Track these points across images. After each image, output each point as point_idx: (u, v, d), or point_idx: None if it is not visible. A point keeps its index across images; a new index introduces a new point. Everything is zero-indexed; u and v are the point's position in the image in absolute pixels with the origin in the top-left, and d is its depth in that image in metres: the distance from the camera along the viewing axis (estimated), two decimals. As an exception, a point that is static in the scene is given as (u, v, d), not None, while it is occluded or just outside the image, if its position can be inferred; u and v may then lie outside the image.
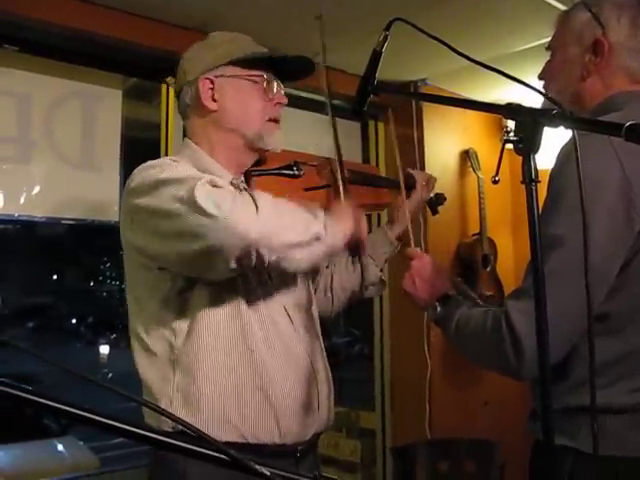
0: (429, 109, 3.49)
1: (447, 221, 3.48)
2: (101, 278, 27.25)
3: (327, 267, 1.78)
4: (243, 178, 1.52)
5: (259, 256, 1.24)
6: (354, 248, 1.48)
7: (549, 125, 0.96)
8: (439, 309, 1.45)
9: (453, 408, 3.26)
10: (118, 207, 2.69)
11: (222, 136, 1.50)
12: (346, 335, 13.79)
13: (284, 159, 1.57)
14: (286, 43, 2.84)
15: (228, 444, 1.28)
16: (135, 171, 1.42)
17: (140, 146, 2.96)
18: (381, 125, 3.63)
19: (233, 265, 1.24)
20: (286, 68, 1.58)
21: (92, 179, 2.66)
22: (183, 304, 1.37)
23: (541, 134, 0.95)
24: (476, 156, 3.62)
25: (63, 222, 2.66)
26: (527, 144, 0.94)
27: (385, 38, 1.47)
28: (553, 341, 0.97)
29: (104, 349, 18.00)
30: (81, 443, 6.76)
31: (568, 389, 1.22)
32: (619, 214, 1.18)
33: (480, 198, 3.56)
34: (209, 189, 1.22)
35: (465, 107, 1.37)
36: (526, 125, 0.95)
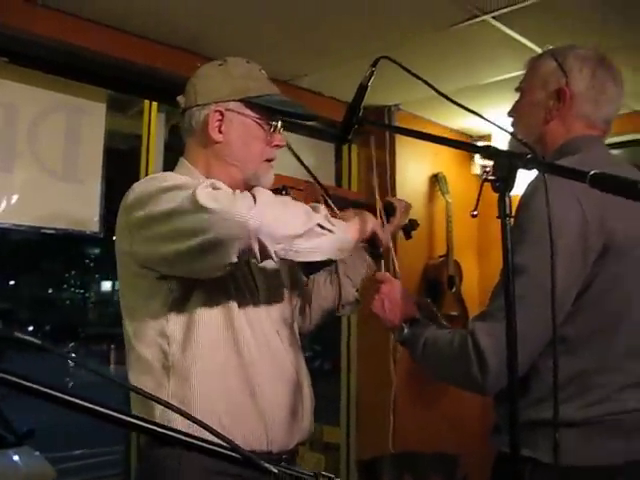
0: (400, 135, 3.61)
1: (415, 243, 3.56)
2: (63, 286, 26.94)
3: (306, 285, 1.86)
4: None
5: (262, 246, 1.29)
6: (373, 243, 1.62)
7: (523, 168, 1.07)
8: (406, 330, 1.56)
9: (416, 424, 3.36)
10: (98, 218, 2.77)
11: (221, 167, 1.57)
12: (309, 350, 13.89)
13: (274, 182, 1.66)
14: (270, 65, 2.95)
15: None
16: (134, 186, 1.48)
17: (121, 158, 3.02)
18: (354, 147, 3.74)
19: (234, 258, 1.30)
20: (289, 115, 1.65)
21: (73, 190, 2.71)
22: (178, 313, 1.44)
23: (516, 175, 1.06)
24: (445, 180, 3.75)
25: (43, 232, 2.69)
26: (504, 183, 1.06)
27: (372, 73, 1.56)
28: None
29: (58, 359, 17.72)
30: (37, 453, 6.69)
31: (528, 404, 1.33)
32: (577, 249, 1.31)
33: (447, 221, 3.69)
34: (209, 189, 1.29)
35: (448, 145, 1.47)
36: (503, 167, 1.06)
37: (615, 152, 4.01)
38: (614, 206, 1.08)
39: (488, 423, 1.57)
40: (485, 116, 3.39)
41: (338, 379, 3.71)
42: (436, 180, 3.77)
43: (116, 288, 26.27)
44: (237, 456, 0.74)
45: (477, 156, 3.86)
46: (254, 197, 1.29)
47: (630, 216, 1.28)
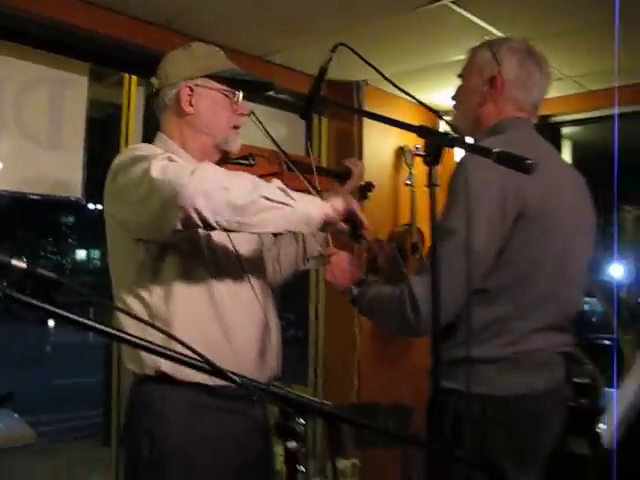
0: (369, 107, 3.79)
1: (381, 211, 3.83)
2: (39, 253, 26.85)
3: (274, 243, 2.07)
4: None
5: (200, 215, 1.40)
6: (352, 223, 1.72)
7: (447, 146, 1.29)
8: (355, 291, 1.80)
9: (378, 380, 3.62)
10: (81, 185, 2.94)
11: (194, 135, 1.76)
12: (284, 320, 14.11)
13: (240, 150, 1.86)
14: (244, 42, 3.14)
15: (199, 385, 1.58)
16: (118, 155, 1.66)
17: (102, 127, 3.17)
18: (324, 120, 3.93)
19: (178, 226, 1.43)
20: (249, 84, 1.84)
21: (57, 158, 2.87)
22: (157, 270, 1.63)
23: (441, 152, 1.28)
24: (410, 152, 3.94)
25: (29, 197, 2.85)
26: (431, 158, 1.27)
27: (330, 58, 1.75)
28: (442, 307, 1.31)
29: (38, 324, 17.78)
30: (16, 416, 6.85)
31: (454, 345, 1.56)
32: (496, 215, 1.53)
33: (412, 191, 3.91)
34: (164, 162, 1.47)
35: (390, 124, 1.66)
36: (431, 145, 1.28)
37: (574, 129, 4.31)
38: (527, 180, 1.29)
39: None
40: (446, 92, 3.63)
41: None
42: (401, 152, 3.97)
43: (91, 256, 26.21)
44: (208, 367, 0.93)
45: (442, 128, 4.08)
46: (194, 169, 1.42)
47: (542, 189, 1.51)
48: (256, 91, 1.91)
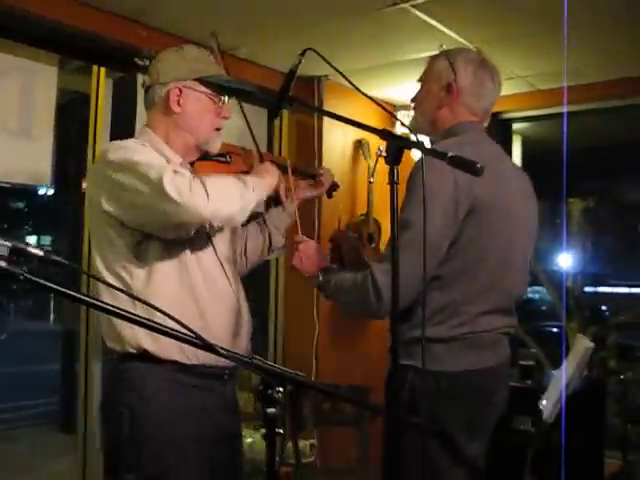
0: (329, 102, 3.94)
1: (339, 202, 3.98)
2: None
3: (242, 236, 2.20)
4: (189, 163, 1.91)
5: (211, 224, 1.71)
6: (276, 198, 1.97)
7: (406, 148, 1.44)
8: (321, 277, 1.94)
9: (335, 362, 3.80)
10: (50, 172, 3.02)
11: (178, 134, 1.87)
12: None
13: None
14: (209, 37, 3.24)
15: (176, 362, 1.71)
16: (109, 147, 1.77)
17: (71, 118, 3.25)
18: (285, 113, 4.06)
19: (192, 233, 1.70)
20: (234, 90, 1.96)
21: (28, 147, 2.95)
22: (140, 254, 1.73)
23: (401, 153, 1.43)
24: (368, 145, 4.12)
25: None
26: (392, 159, 1.42)
27: (300, 61, 1.87)
28: (401, 292, 1.47)
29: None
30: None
31: (411, 327, 1.73)
32: (450, 209, 1.70)
33: (369, 183, 4.07)
34: (172, 177, 1.61)
35: (354, 126, 1.82)
36: (393, 147, 1.43)
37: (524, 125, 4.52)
38: (478, 178, 1.45)
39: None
40: (409, 85, 3.81)
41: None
42: (359, 145, 4.14)
43: (41, 242, 25.75)
44: (197, 341, 1.07)
45: (398, 124, 4.25)
46: (206, 190, 1.63)
47: (491, 186, 1.68)
48: (240, 96, 2.03)
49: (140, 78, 3.19)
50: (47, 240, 25.29)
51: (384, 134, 1.47)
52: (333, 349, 3.88)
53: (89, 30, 2.93)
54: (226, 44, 3.36)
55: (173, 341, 1.67)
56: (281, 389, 1.11)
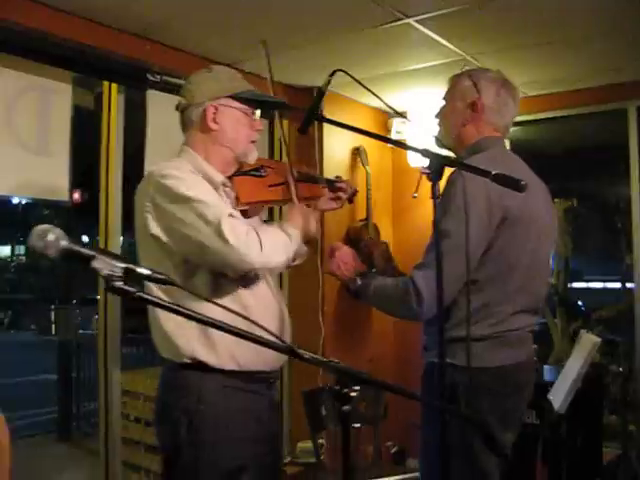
0: (327, 111, 4.05)
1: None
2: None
3: None
4: (227, 178, 2.02)
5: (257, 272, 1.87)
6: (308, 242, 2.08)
7: (448, 166, 1.58)
8: (359, 282, 2.07)
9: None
10: (67, 187, 3.10)
11: (217, 149, 1.99)
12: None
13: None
14: (214, 52, 3.36)
15: (231, 371, 1.83)
16: (162, 172, 1.85)
17: (86, 134, 3.33)
18: (286, 122, 4.17)
19: (238, 276, 1.85)
20: (265, 104, 2.11)
21: (45, 162, 3.03)
22: (189, 270, 1.84)
23: (443, 170, 1.56)
24: (365, 153, 4.26)
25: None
26: (434, 176, 1.56)
27: (329, 82, 1.99)
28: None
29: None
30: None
31: (450, 327, 1.87)
32: (484, 219, 1.85)
33: (367, 189, 4.21)
34: (231, 222, 1.75)
35: (391, 144, 1.96)
36: (435, 164, 1.56)
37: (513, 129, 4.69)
38: (508, 191, 1.59)
39: (401, 361, 2.08)
40: (405, 93, 3.96)
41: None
42: (357, 152, 4.28)
43: (16, 252, 25.39)
44: (281, 345, 1.19)
45: (393, 133, 4.40)
46: (260, 241, 1.78)
47: (519, 198, 1.81)
48: (271, 109, 2.15)
49: (150, 93, 3.32)
50: (21, 249, 25.06)
51: (427, 154, 1.59)
52: (339, 351, 3.99)
53: (101, 47, 3.03)
54: (230, 58, 3.49)
55: (228, 351, 1.82)
56: (356, 388, 1.22)
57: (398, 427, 3.96)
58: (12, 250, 25.65)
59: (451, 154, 2.11)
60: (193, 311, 1.15)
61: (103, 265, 1.03)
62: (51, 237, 1.00)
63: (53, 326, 7.67)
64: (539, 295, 2.04)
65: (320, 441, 3.59)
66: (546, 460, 2.80)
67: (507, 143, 4.98)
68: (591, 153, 5.58)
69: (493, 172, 1.47)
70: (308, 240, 2.07)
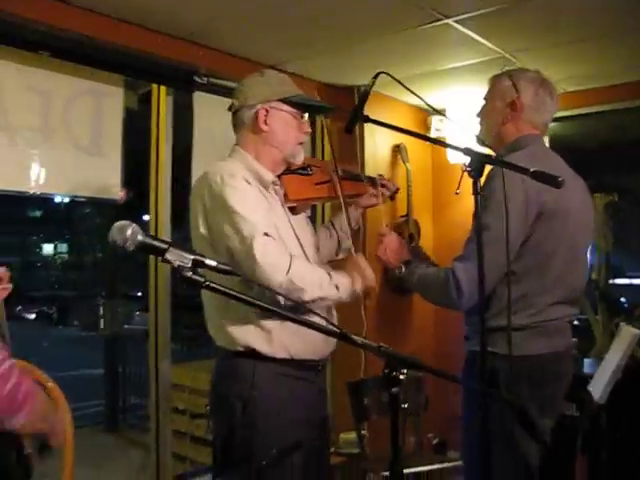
0: (368, 109, 4.13)
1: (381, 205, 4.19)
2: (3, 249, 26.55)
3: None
4: (277, 177, 2.13)
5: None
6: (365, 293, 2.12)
7: (488, 163, 1.66)
8: (404, 269, 2.16)
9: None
10: (120, 186, 3.25)
11: (267, 150, 2.10)
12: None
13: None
14: (259, 54, 3.47)
15: (283, 360, 1.95)
16: (216, 176, 1.96)
17: (136, 135, 3.47)
18: (327, 121, 4.26)
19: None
20: (314, 107, 2.24)
21: (99, 163, 3.18)
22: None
23: (484, 167, 1.64)
24: (405, 150, 4.33)
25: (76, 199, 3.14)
26: (475, 173, 1.64)
27: (373, 83, 2.09)
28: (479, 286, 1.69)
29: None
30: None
31: (491, 316, 1.96)
32: (522, 213, 1.93)
33: (408, 186, 4.29)
34: (264, 241, 1.85)
35: (432, 142, 2.04)
36: (475, 162, 1.64)
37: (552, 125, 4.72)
38: (544, 186, 1.66)
39: (440, 354, 2.16)
40: (444, 92, 4.03)
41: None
42: (398, 150, 4.35)
43: (58, 250, 25.89)
44: (335, 330, 1.29)
45: (432, 130, 4.46)
46: (290, 268, 1.85)
47: (555, 193, 1.88)
48: (319, 113, 2.25)
49: (197, 95, 3.45)
50: (64, 248, 25.58)
51: (468, 152, 1.68)
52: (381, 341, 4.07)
53: (150, 52, 3.16)
54: (276, 59, 3.60)
55: (281, 341, 1.93)
56: (404, 371, 1.32)
57: (440, 419, 4.03)
58: (55, 247, 26.21)
59: (491, 152, 2.18)
60: (256, 299, 1.25)
61: (175, 257, 1.14)
62: (129, 232, 1.11)
63: (102, 320, 7.89)
64: (577, 286, 2.11)
65: (363, 432, 3.69)
66: (585, 451, 2.85)
67: (546, 140, 5.10)
68: (629, 148, 5.56)
69: (532, 169, 1.55)
70: (364, 291, 2.10)
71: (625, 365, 3.31)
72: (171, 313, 3.49)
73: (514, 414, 1.70)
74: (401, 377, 1.33)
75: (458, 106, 4.20)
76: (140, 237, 1.12)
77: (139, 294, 14.50)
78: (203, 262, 1.19)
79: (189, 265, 1.16)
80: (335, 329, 1.35)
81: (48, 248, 27.08)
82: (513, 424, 1.80)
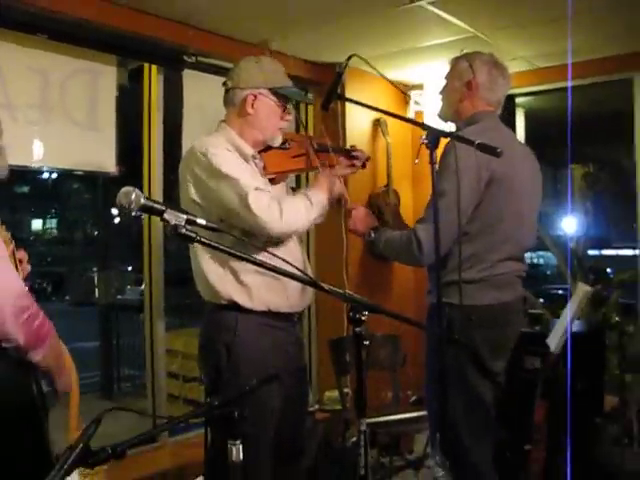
0: (349, 85, 4.34)
1: (362, 175, 4.41)
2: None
3: None
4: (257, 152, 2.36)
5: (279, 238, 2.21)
6: (338, 201, 2.40)
7: (443, 136, 1.90)
8: (372, 235, 2.42)
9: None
10: (115, 160, 3.45)
11: (250, 131, 2.33)
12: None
13: None
14: (246, 31, 3.67)
15: (262, 312, 2.21)
16: (203, 148, 2.18)
17: (129, 112, 3.67)
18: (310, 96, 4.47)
19: (262, 241, 2.18)
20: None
21: (95, 138, 3.38)
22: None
23: (439, 140, 1.88)
24: (385, 124, 4.55)
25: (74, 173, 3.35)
26: (432, 145, 1.88)
27: (346, 65, 2.31)
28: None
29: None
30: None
31: (446, 272, 2.22)
32: (474, 181, 2.18)
33: (388, 158, 4.52)
34: (256, 195, 2.09)
35: (395, 117, 2.27)
36: (432, 135, 1.88)
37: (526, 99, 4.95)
38: (494, 157, 1.91)
39: (419, 313, 2.41)
40: (419, 68, 4.24)
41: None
42: (378, 124, 4.57)
43: (47, 226, 25.90)
44: (307, 278, 1.53)
45: (411, 104, 4.69)
46: (281, 210, 2.11)
47: (504, 162, 2.11)
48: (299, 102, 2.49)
49: (186, 73, 3.65)
50: (53, 223, 25.58)
51: (425, 126, 1.92)
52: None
53: (142, 33, 3.34)
54: (259, 37, 3.79)
55: (259, 296, 2.18)
56: (365, 313, 1.57)
57: (419, 378, 4.29)
58: (43, 223, 26.22)
59: (452, 126, 2.43)
60: (239, 252, 1.49)
61: (171, 217, 1.37)
62: (133, 196, 1.35)
63: (97, 290, 8.17)
64: (524, 245, 2.39)
65: (345, 390, 3.96)
66: (545, 396, 3.12)
67: (520, 114, 5.34)
68: (604, 121, 5.79)
69: (477, 141, 1.79)
70: (337, 199, 2.38)
71: (588, 323, 3.60)
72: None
73: (467, 356, 1.95)
74: (363, 318, 1.56)
75: (435, 80, 4.41)
76: (143, 200, 1.35)
77: (129, 268, 14.74)
78: (195, 221, 1.42)
79: (183, 223, 1.40)
80: (307, 277, 1.58)
81: (37, 224, 27.07)
82: (467, 365, 2.06)
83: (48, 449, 1.74)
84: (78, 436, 1.08)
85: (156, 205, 1.38)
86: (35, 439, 1.72)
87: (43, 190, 22.45)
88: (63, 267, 20.21)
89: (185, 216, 1.40)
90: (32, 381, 1.74)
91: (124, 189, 1.36)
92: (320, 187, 2.32)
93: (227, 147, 2.24)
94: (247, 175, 2.19)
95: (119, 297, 8.67)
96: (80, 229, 23.06)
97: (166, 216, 1.37)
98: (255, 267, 2.15)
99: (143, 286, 3.81)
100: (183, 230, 1.39)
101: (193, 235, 1.40)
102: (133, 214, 1.37)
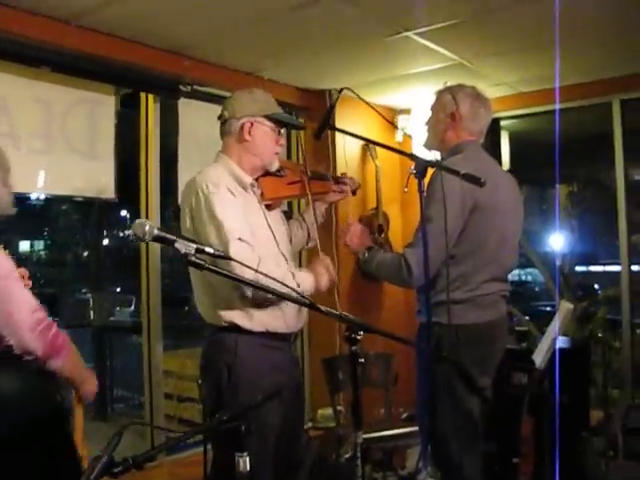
0: (340, 111, 4.46)
1: (352, 198, 4.53)
2: None
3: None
4: (254, 179, 2.47)
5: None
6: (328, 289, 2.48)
7: (430, 167, 2.04)
8: (366, 255, 2.55)
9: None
10: (114, 187, 3.57)
11: (248, 157, 2.44)
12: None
13: None
14: (239, 62, 3.81)
15: (260, 333, 2.31)
16: (202, 183, 2.29)
17: (127, 140, 3.79)
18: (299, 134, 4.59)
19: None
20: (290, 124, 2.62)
21: (95, 166, 3.51)
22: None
23: (427, 170, 2.02)
24: (374, 148, 4.69)
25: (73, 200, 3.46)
26: (420, 175, 2.01)
27: (337, 98, 2.45)
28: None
29: None
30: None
31: (435, 293, 2.34)
32: (459, 208, 2.31)
33: (377, 180, 4.66)
34: (237, 245, 2.18)
35: (384, 148, 2.40)
36: (420, 165, 2.02)
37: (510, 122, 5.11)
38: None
39: (409, 332, 2.54)
40: (407, 94, 4.38)
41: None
42: (367, 148, 4.71)
43: (35, 248, 25.83)
44: (305, 301, 1.64)
45: (399, 130, 4.84)
46: (258, 265, 2.12)
47: (487, 190, 2.22)
48: (294, 128, 2.63)
49: (182, 101, 3.78)
50: (40, 245, 25.50)
51: (413, 157, 2.05)
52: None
53: (139, 64, 3.48)
54: (253, 67, 3.94)
55: (260, 319, 2.29)
56: (361, 333, 1.69)
57: (411, 396, 4.40)
58: (31, 245, 26.11)
59: (437, 155, 2.57)
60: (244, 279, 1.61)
61: (182, 246, 1.50)
62: (147, 227, 1.47)
63: (91, 312, 8.23)
64: (507, 266, 2.54)
65: (339, 408, 4.06)
66: (532, 412, 3.24)
67: (505, 136, 5.50)
68: (586, 143, 5.95)
69: (462, 172, 1.93)
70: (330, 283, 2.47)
71: (574, 339, 3.73)
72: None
73: (456, 372, 2.07)
74: (358, 337, 1.68)
75: (422, 105, 4.56)
76: (156, 231, 1.48)
77: (117, 290, 14.71)
78: (203, 250, 1.54)
79: (193, 252, 1.52)
80: (306, 299, 1.70)
81: (24, 245, 26.95)
82: (455, 381, 2.18)
83: (76, 454, 1.86)
84: (103, 447, 1.19)
85: (168, 236, 1.50)
86: (62, 446, 1.83)
87: (30, 212, 22.32)
88: (56, 288, 20.10)
89: (195, 245, 1.52)
90: (55, 391, 1.86)
91: (138, 221, 1.48)
92: (313, 269, 2.45)
93: (228, 184, 2.34)
94: (236, 223, 2.26)
95: (111, 319, 8.74)
96: (71, 251, 23.03)
97: (177, 245, 1.49)
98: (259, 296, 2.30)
99: (132, 307, 3.91)
100: (193, 258, 1.51)
101: (202, 262, 1.52)
102: (147, 241, 1.49)
